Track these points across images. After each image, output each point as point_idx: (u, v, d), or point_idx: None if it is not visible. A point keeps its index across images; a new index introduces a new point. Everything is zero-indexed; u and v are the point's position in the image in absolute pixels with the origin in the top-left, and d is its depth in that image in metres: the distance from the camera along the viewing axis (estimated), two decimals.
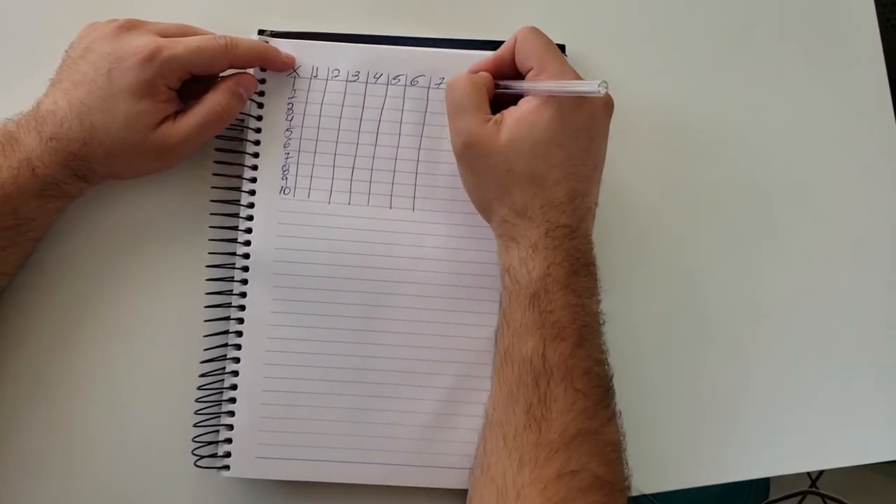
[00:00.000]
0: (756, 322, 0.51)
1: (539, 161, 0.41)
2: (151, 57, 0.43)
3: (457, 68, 0.49)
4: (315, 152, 0.49)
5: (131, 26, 0.45)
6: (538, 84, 0.42)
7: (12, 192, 0.43)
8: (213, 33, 0.48)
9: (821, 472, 0.96)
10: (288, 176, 0.49)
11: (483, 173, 0.43)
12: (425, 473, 0.47)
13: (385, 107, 0.49)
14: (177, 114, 0.46)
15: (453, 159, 0.48)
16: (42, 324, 0.48)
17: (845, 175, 0.53)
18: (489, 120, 0.43)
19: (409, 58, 0.49)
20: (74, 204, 0.47)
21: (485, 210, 0.45)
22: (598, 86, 0.38)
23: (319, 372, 0.47)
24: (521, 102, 0.43)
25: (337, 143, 0.49)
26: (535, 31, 0.44)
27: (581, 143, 0.42)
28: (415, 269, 0.48)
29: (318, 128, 0.49)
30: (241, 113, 0.49)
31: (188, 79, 0.46)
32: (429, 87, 0.49)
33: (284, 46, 0.49)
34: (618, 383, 0.47)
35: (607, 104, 0.43)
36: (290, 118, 0.49)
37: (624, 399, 0.48)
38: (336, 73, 0.49)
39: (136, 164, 0.46)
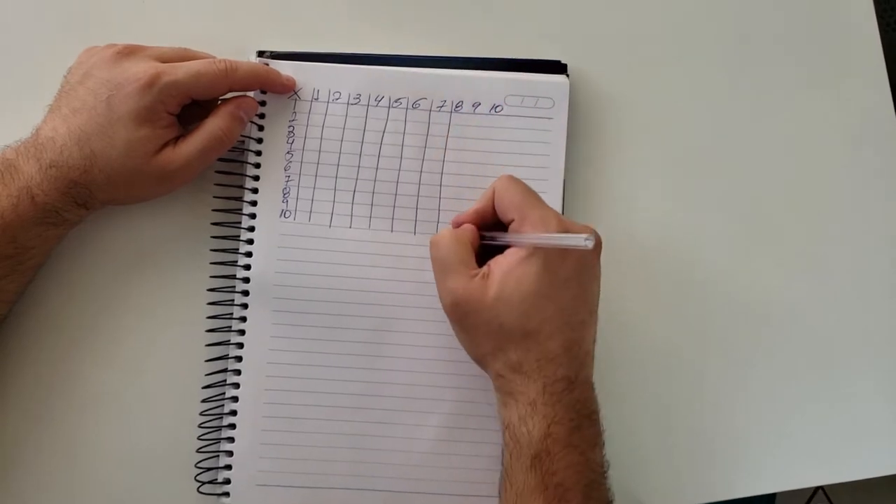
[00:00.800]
0: (759, 335, 0.50)
1: (530, 316, 0.40)
2: (151, 83, 0.43)
3: (458, 90, 0.49)
4: (316, 175, 0.48)
5: (130, 52, 0.45)
6: (522, 237, 0.41)
7: (12, 221, 0.43)
8: (212, 56, 0.47)
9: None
10: (289, 199, 0.48)
11: (474, 330, 0.42)
12: (428, 501, 0.46)
13: (387, 130, 0.49)
14: (177, 139, 0.45)
15: (455, 182, 0.49)
16: (43, 350, 0.48)
17: (847, 184, 0.52)
18: (476, 275, 0.42)
19: (411, 80, 0.49)
20: (74, 229, 0.47)
21: (480, 364, 0.44)
22: (585, 240, 0.37)
23: (320, 398, 0.47)
24: (508, 253, 0.42)
25: (338, 165, 0.49)
26: (512, 181, 0.43)
27: (572, 291, 0.41)
28: (417, 293, 0.48)
29: (320, 151, 0.49)
30: (242, 136, 0.48)
31: (188, 103, 0.45)
32: (430, 111, 0.49)
33: (284, 68, 0.49)
34: (621, 400, 0.47)
35: (596, 244, 0.41)
36: (290, 141, 0.49)
37: (628, 417, 0.49)
38: (337, 95, 0.49)
39: (137, 191, 0.46)
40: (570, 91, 0.49)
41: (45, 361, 0.48)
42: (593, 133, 0.51)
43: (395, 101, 0.49)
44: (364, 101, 0.49)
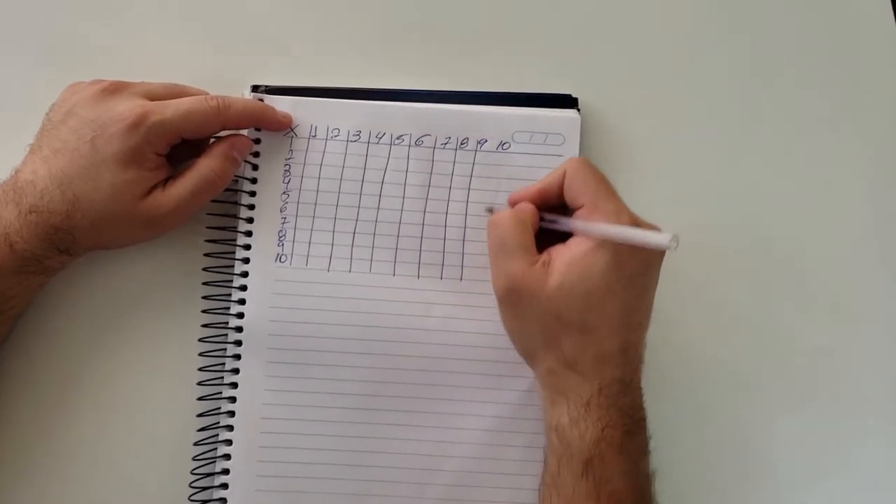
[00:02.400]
0: (783, 380, 0.48)
1: (592, 311, 0.38)
2: (138, 123, 0.40)
3: (464, 127, 0.46)
4: (314, 217, 0.46)
5: (115, 89, 0.42)
6: (594, 226, 0.39)
7: None
8: (203, 92, 0.45)
9: None
10: (284, 242, 0.46)
11: (529, 319, 0.40)
12: None
13: (388, 168, 0.46)
14: (166, 181, 0.43)
15: (460, 223, 0.46)
16: (25, 402, 0.45)
17: (870, 221, 0.49)
18: (536, 261, 0.39)
19: (414, 116, 0.46)
20: (58, 274, 0.44)
21: (530, 357, 0.41)
22: (671, 241, 0.35)
23: (317, 454, 0.44)
24: (572, 243, 0.39)
25: (337, 206, 0.46)
26: (588, 165, 0.41)
27: (636, 290, 0.39)
28: (421, 341, 0.45)
29: (317, 191, 0.46)
30: (235, 175, 0.46)
31: (178, 143, 0.43)
32: (434, 148, 0.46)
33: (281, 103, 0.46)
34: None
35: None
36: (287, 181, 0.46)
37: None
38: (336, 132, 0.46)
39: (124, 236, 0.43)
40: (581, 126, 0.47)
41: (27, 414, 0.45)
42: (605, 170, 0.47)
43: (398, 138, 0.46)
44: (364, 137, 0.46)
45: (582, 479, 0.37)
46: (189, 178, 0.43)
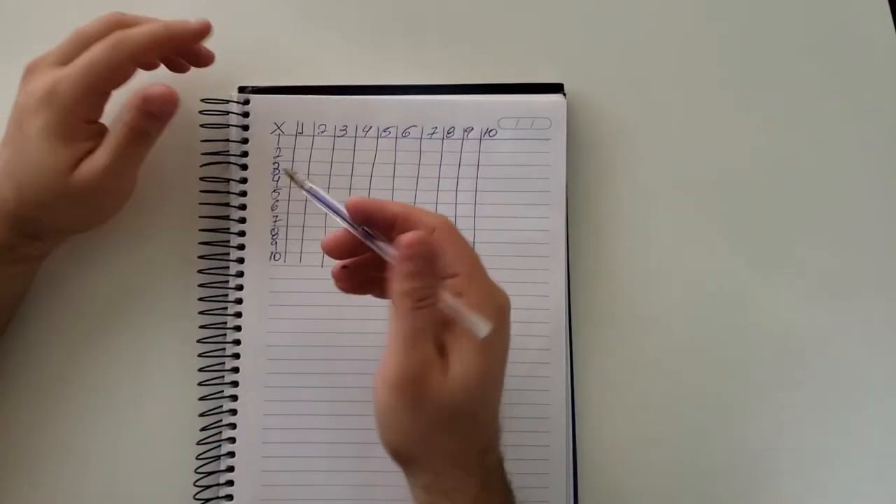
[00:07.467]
0: (780, 366, 0.47)
1: (486, 403, 0.36)
2: (47, 98, 0.40)
3: (449, 116, 0.46)
4: (305, 213, 0.46)
5: (31, 68, 0.41)
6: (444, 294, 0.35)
7: None
8: (144, 19, 0.43)
9: None
10: (277, 240, 0.46)
11: (420, 414, 0.35)
12: None
13: (377, 161, 0.46)
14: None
15: (450, 212, 0.46)
16: (28, 402, 0.45)
17: (868, 206, 0.49)
18: (433, 350, 0.35)
19: (399, 107, 0.46)
20: (47, 276, 0.45)
21: (409, 459, 0.36)
22: (484, 333, 0.34)
23: (321, 448, 0.44)
24: (466, 334, 0.35)
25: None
26: (459, 233, 0.37)
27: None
28: None
29: None
30: (225, 177, 0.46)
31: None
32: (421, 139, 0.46)
33: (266, 102, 0.46)
34: (634, 434, 0.46)
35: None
36: (276, 178, 0.46)
37: (641, 451, 0.46)
38: (323, 128, 0.46)
39: (76, 214, 0.43)
40: (569, 112, 0.47)
41: (28, 414, 0.45)
42: (594, 154, 0.48)
43: (384, 131, 0.46)
44: (351, 132, 0.46)
45: None
46: (107, 141, 0.41)
